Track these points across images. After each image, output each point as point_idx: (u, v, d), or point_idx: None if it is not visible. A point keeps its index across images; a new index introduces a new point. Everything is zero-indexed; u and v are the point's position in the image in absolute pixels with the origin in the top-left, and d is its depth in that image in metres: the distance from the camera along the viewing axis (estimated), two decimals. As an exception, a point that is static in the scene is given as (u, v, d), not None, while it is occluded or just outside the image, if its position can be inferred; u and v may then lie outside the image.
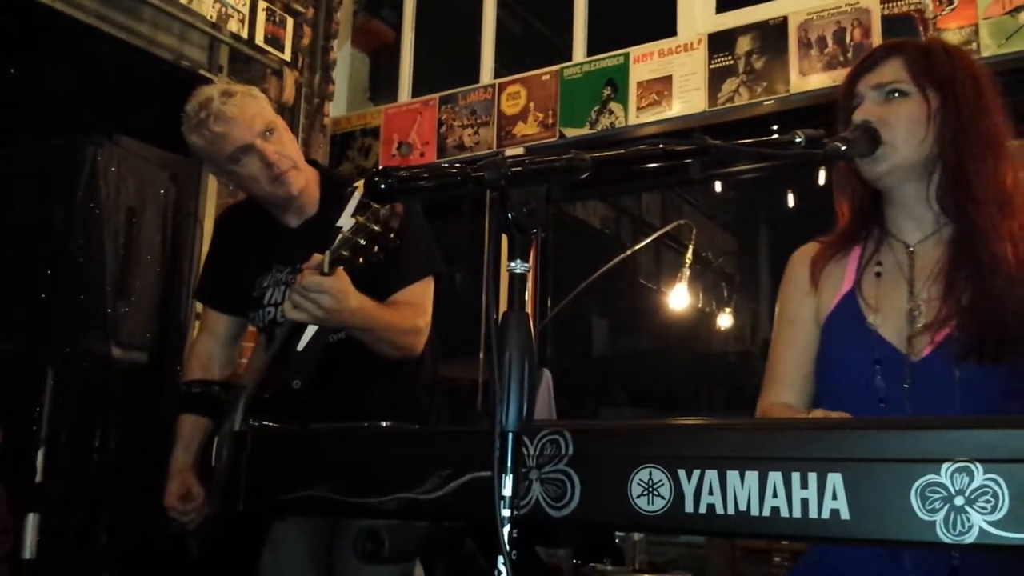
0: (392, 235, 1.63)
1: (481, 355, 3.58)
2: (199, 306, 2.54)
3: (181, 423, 2.16)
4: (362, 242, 1.63)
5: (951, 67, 1.46)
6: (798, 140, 1.29)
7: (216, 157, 2.04)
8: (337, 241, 1.66)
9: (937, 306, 1.38)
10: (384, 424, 1.27)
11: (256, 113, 2.01)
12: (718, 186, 6.17)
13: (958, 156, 1.42)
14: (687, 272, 3.81)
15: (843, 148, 1.35)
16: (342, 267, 1.70)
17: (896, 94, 1.44)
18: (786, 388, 1.51)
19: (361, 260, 1.66)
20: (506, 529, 0.93)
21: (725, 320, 6.11)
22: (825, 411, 1.23)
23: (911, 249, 1.47)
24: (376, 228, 1.62)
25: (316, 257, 1.73)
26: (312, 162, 2.22)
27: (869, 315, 1.43)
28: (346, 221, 1.67)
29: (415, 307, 2.02)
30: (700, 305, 6.35)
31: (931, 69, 1.45)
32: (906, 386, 1.36)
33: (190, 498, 2.08)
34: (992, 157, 1.42)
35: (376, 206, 1.62)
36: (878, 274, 1.47)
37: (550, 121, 4.08)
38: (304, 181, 2.08)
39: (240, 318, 2.24)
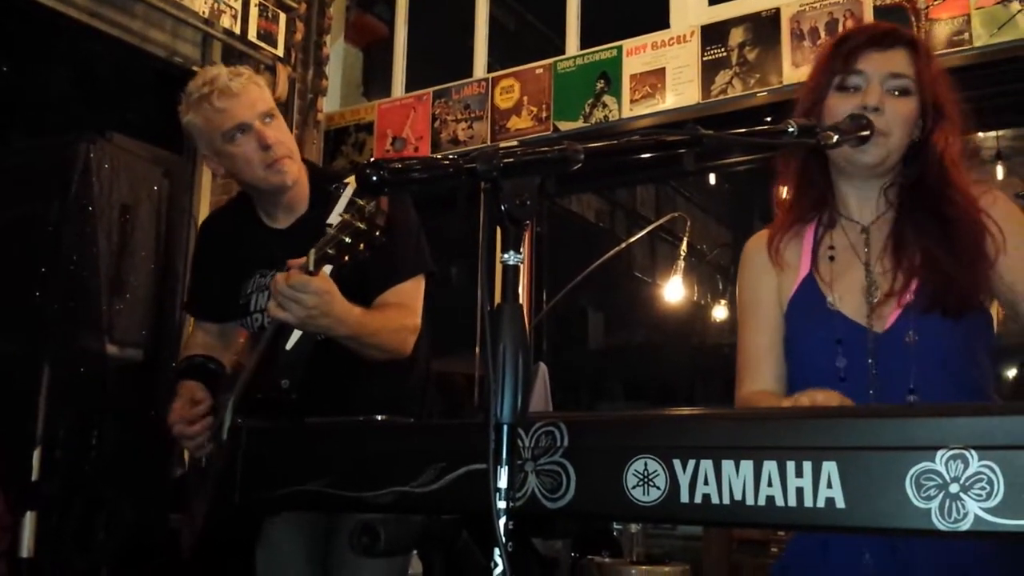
0: (378, 232, 1.60)
1: (477, 349, 3.58)
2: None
3: (178, 386, 2.04)
4: (347, 240, 1.59)
5: (942, 80, 1.49)
6: (791, 130, 1.29)
7: (212, 136, 2.00)
8: (322, 239, 1.62)
9: (891, 276, 1.41)
10: (379, 418, 1.26)
11: (260, 97, 2.00)
12: (712, 179, 6.17)
13: (939, 166, 1.45)
14: (682, 265, 3.81)
15: (836, 137, 1.35)
16: (328, 268, 1.66)
17: (899, 91, 1.45)
18: (760, 375, 1.52)
19: (347, 258, 1.62)
20: (502, 521, 0.93)
21: (720, 312, 6.12)
22: (810, 394, 1.24)
23: (866, 228, 1.49)
24: (361, 225, 1.59)
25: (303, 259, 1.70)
26: (303, 160, 2.19)
27: (828, 295, 1.45)
28: (334, 218, 1.63)
29: (404, 308, 1.99)
30: (695, 297, 6.36)
31: (931, 77, 1.47)
32: (871, 360, 1.38)
33: (195, 404, 1.95)
34: (961, 157, 1.47)
35: (361, 203, 1.58)
36: (831, 257, 1.49)
37: (544, 115, 4.07)
38: (298, 173, 2.05)
39: (227, 324, 2.21)
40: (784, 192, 1.59)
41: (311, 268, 1.65)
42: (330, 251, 1.61)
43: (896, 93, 1.44)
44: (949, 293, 1.35)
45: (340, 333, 1.80)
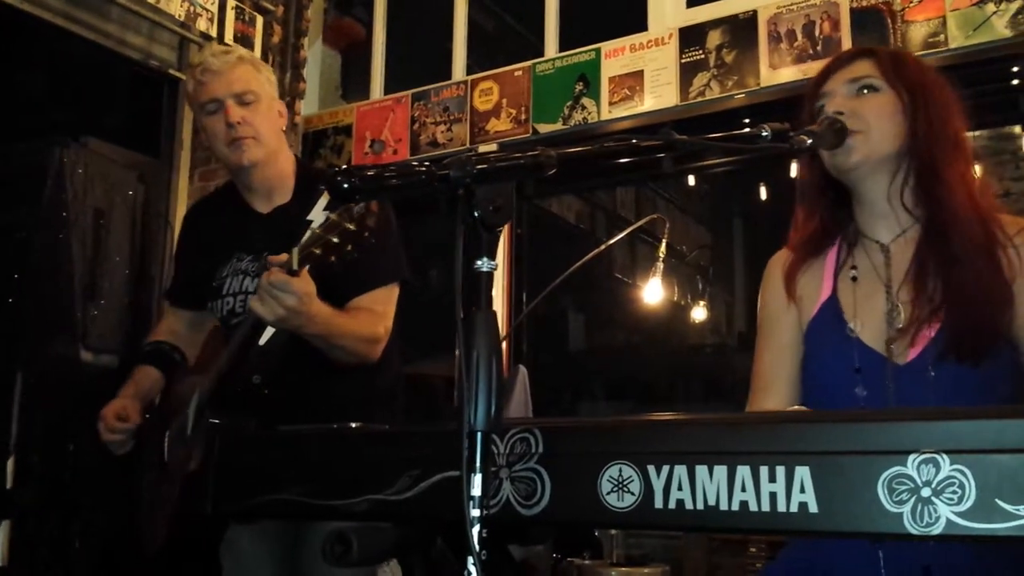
0: (367, 233, 1.59)
1: (457, 352, 3.55)
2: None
3: (134, 370, 2.15)
4: (335, 240, 1.58)
5: (920, 71, 1.49)
6: (765, 134, 1.29)
7: (196, 106, 2.11)
8: (307, 237, 1.60)
9: (912, 306, 1.39)
10: (353, 425, 1.25)
11: (240, 77, 2.05)
12: (692, 180, 6.19)
13: (930, 153, 1.43)
14: (661, 266, 3.81)
15: (809, 141, 1.35)
16: (308, 268, 1.65)
17: (867, 90, 1.45)
18: (772, 395, 1.50)
19: (333, 259, 1.61)
20: (475, 529, 0.92)
21: (700, 313, 6.13)
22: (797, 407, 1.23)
23: (887, 247, 1.47)
24: (351, 226, 1.58)
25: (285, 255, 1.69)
26: (298, 159, 2.22)
27: (850, 321, 1.43)
28: (317, 215, 1.61)
29: (375, 315, 1.99)
30: (675, 299, 6.38)
31: (901, 70, 1.47)
32: (890, 389, 1.36)
33: (124, 418, 2.05)
34: (961, 157, 1.45)
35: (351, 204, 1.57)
36: (854, 278, 1.47)
37: (523, 117, 4.07)
38: (263, 157, 2.06)
39: (202, 312, 2.21)
40: (799, 219, 1.57)
41: (294, 267, 1.64)
42: (316, 251, 1.59)
43: (864, 91, 1.45)
44: (966, 343, 1.32)
45: (310, 331, 1.81)
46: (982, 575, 1.23)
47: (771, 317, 1.56)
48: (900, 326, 1.39)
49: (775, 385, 1.51)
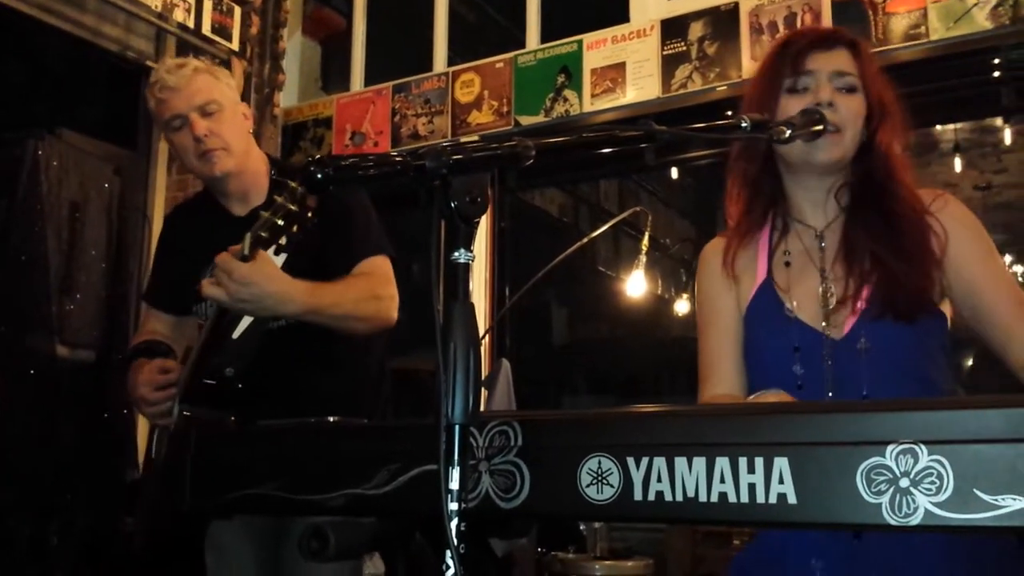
0: (309, 214, 1.63)
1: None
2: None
3: (137, 363, 1.99)
4: (280, 222, 1.62)
5: (885, 85, 1.50)
6: (744, 125, 1.29)
7: (159, 122, 2.11)
8: (256, 223, 1.65)
9: (844, 282, 1.42)
10: (331, 419, 1.24)
11: (200, 89, 2.03)
12: (675, 173, 6.20)
13: (882, 165, 1.46)
14: (644, 259, 3.82)
15: (788, 132, 1.35)
16: (282, 257, 1.69)
17: (846, 89, 1.46)
18: (721, 379, 1.51)
19: (283, 240, 1.65)
20: (454, 523, 0.91)
21: (683, 306, 6.15)
22: (762, 395, 1.23)
23: (820, 233, 1.49)
24: (292, 207, 1.61)
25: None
26: (269, 156, 2.22)
27: (787, 302, 1.45)
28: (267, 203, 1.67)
29: (373, 276, 1.99)
30: (659, 291, 6.39)
31: (871, 71, 1.48)
32: (828, 364, 1.38)
33: (165, 372, 1.90)
34: (902, 165, 1.48)
35: (293, 184, 1.61)
36: (787, 263, 1.49)
37: (505, 109, 4.06)
38: (234, 166, 2.06)
39: (183, 317, 2.19)
40: (733, 200, 1.58)
41: (246, 252, 1.67)
42: (263, 234, 1.64)
43: (844, 90, 1.46)
44: (898, 298, 1.35)
45: (290, 311, 1.80)
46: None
47: (711, 302, 1.57)
48: (832, 306, 1.41)
49: (723, 370, 1.52)
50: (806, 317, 1.43)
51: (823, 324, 1.41)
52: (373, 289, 1.98)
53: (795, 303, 1.44)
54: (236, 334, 1.76)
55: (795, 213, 1.52)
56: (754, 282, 1.51)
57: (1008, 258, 6.00)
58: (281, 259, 1.75)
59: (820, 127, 1.39)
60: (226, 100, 2.07)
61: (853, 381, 1.36)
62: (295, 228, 1.63)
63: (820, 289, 1.44)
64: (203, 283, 1.73)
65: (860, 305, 1.39)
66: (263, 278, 1.71)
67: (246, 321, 1.77)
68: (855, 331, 1.38)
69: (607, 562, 3.26)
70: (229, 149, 2.04)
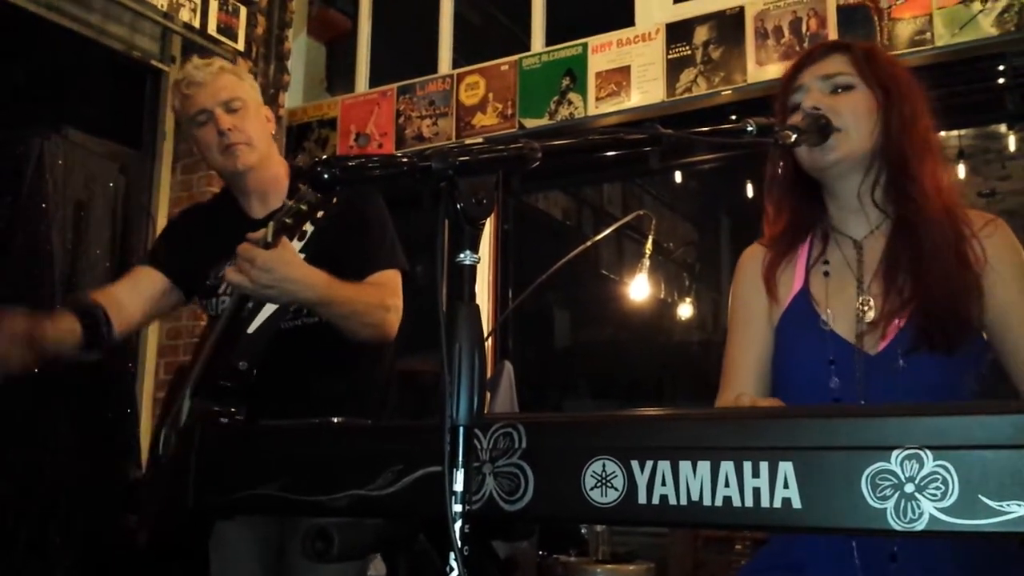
0: (334, 200, 1.64)
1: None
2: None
3: (56, 312, 2.02)
4: (303, 207, 1.62)
5: (892, 68, 1.49)
6: (749, 129, 1.29)
7: (185, 121, 2.13)
8: (280, 211, 1.65)
9: (883, 299, 1.40)
10: (335, 420, 1.24)
11: (225, 86, 2.06)
12: (679, 177, 6.20)
13: (902, 151, 1.44)
14: (647, 263, 3.81)
15: (794, 137, 1.35)
16: (298, 244, 1.71)
17: (841, 88, 1.46)
18: (743, 388, 1.50)
19: (307, 227, 1.69)
20: (457, 525, 0.91)
21: (686, 310, 6.14)
22: (773, 400, 1.23)
23: (859, 243, 1.48)
24: (317, 196, 1.61)
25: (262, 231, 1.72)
26: (290, 163, 2.24)
27: (822, 314, 1.44)
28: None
29: (383, 287, 2.01)
30: (662, 295, 6.38)
31: (875, 67, 1.47)
32: (860, 380, 1.37)
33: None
34: (931, 156, 1.46)
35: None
36: (826, 273, 1.48)
37: (509, 112, 4.06)
38: (256, 161, 2.07)
39: (175, 289, 2.15)
40: (771, 222, 1.57)
41: (269, 239, 1.68)
42: (287, 220, 1.63)
43: (839, 90, 1.45)
44: (935, 331, 1.33)
45: (308, 297, 1.81)
46: (948, 561, 1.24)
47: (745, 310, 1.56)
48: (871, 320, 1.40)
49: (746, 379, 1.51)
50: (841, 330, 1.42)
51: (857, 338, 1.40)
52: (384, 298, 1.99)
53: (831, 315, 1.43)
54: (251, 329, 1.77)
55: (836, 223, 1.51)
56: (789, 293, 1.50)
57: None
58: (300, 258, 1.77)
59: (824, 122, 1.40)
60: (250, 99, 2.10)
61: (887, 399, 1.34)
62: (319, 214, 1.65)
63: (857, 303, 1.43)
64: (227, 271, 1.75)
65: (897, 326, 1.37)
66: (285, 264, 1.72)
67: (262, 316, 1.78)
68: (890, 350, 1.37)
69: (609, 566, 3.25)
70: (252, 144, 2.07)
